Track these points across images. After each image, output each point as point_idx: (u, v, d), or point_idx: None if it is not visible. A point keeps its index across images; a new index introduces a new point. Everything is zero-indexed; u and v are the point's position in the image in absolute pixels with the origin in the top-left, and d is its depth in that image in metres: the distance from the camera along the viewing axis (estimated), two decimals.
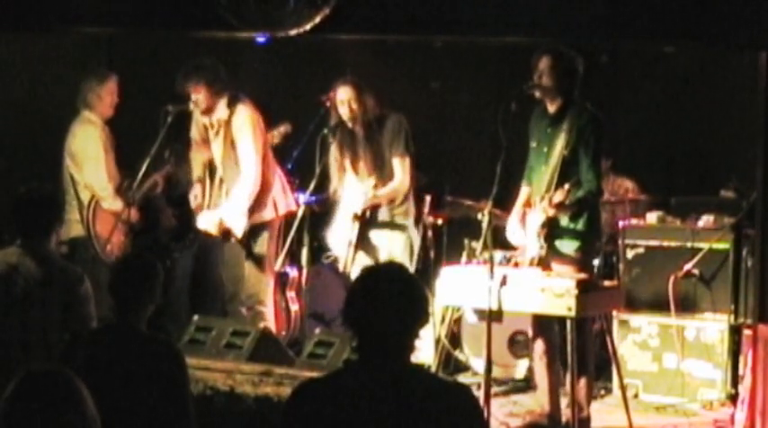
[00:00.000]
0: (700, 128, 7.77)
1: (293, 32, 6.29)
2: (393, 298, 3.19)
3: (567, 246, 6.37)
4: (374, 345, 3.18)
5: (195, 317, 7.01)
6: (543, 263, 6.27)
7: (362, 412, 3.09)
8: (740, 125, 7.36)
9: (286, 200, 7.36)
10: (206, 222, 7.33)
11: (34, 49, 8.06)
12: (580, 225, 6.35)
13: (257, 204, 7.25)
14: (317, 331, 7.05)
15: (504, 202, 6.76)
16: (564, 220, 6.32)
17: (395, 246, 7.33)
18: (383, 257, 7.29)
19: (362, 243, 7.33)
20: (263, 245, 7.28)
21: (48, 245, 5.18)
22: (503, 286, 6.18)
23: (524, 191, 6.55)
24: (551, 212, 6.17)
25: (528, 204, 6.45)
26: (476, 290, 6.22)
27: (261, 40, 7.07)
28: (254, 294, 7.32)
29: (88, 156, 7.39)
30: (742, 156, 6.89)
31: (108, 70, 7.67)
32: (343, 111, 7.22)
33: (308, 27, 6.21)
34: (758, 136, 6.09)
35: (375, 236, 7.37)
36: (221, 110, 7.26)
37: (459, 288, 6.37)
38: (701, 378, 7.17)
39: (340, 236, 7.45)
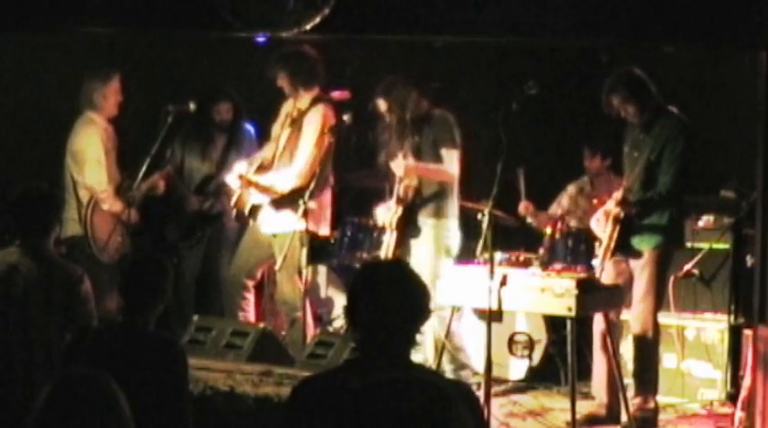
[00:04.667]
0: (700, 128, 7.74)
1: (293, 32, 6.29)
2: (394, 295, 3.18)
3: (642, 243, 6.51)
4: (375, 342, 3.19)
5: (195, 317, 7.02)
6: (613, 255, 6.48)
7: (363, 409, 3.08)
8: (740, 125, 7.35)
9: (318, 220, 7.24)
10: (230, 176, 7.30)
11: (35, 49, 8.06)
12: (655, 225, 6.52)
13: (292, 207, 7.15)
14: (318, 331, 7.06)
15: (505, 202, 6.76)
16: (641, 218, 6.50)
17: (425, 243, 7.26)
18: (419, 249, 7.23)
19: (405, 228, 7.26)
20: (294, 253, 7.19)
21: (47, 244, 5.18)
22: (503, 286, 6.19)
23: (617, 194, 6.69)
24: (616, 210, 6.41)
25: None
26: (476, 290, 6.23)
27: (261, 39, 7.06)
28: (290, 301, 7.29)
29: (89, 158, 7.37)
30: (742, 156, 6.89)
31: (111, 69, 7.66)
32: (387, 119, 7.24)
33: (308, 27, 6.21)
34: (758, 136, 6.09)
35: (420, 224, 7.29)
36: (304, 101, 7.27)
37: (460, 288, 6.38)
38: (701, 378, 7.17)
39: (385, 216, 7.36)
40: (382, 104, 7.19)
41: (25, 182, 5.42)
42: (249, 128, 8.04)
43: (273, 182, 7.23)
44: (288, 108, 7.40)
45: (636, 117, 6.61)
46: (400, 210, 7.19)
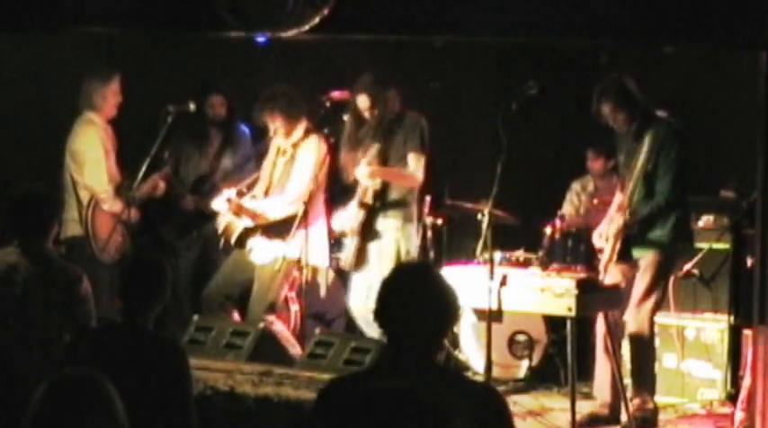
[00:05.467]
0: (699, 128, 7.75)
1: (293, 32, 6.28)
2: (423, 299, 3.19)
3: (644, 250, 6.51)
4: (403, 344, 3.19)
5: (195, 317, 7.01)
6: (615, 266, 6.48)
7: (393, 411, 3.06)
8: (740, 125, 7.35)
9: (319, 252, 7.28)
10: (219, 201, 7.29)
11: (35, 49, 8.06)
12: (659, 234, 6.50)
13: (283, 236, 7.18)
14: (317, 331, 7.06)
15: (505, 203, 6.76)
16: (645, 233, 6.50)
17: (386, 245, 7.23)
18: (382, 254, 7.19)
19: (368, 232, 7.23)
20: (278, 278, 7.21)
21: (46, 244, 5.18)
22: (503, 286, 6.19)
23: (618, 198, 6.72)
24: (621, 232, 6.41)
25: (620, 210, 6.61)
26: (476, 290, 6.23)
27: (261, 39, 7.06)
28: (257, 314, 7.26)
29: (89, 158, 7.37)
30: (742, 156, 6.89)
31: (111, 69, 7.66)
32: (366, 115, 7.18)
33: (307, 27, 6.20)
34: (758, 136, 6.09)
35: (380, 226, 7.26)
36: (297, 134, 7.26)
37: (459, 288, 6.36)
38: (701, 378, 7.17)
39: (346, 222, 7.34)
40: (365, 101, 7.10)
41: (24, 182, 5.41)
42: (244, 128, 8.03)
43: (264, 209, 7.22)
44: (279, 143, 7.37)
45: (625, 124, 6.58)
46: (362, 215, 7.16)
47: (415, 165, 7.10)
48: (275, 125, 7.20)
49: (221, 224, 7.35)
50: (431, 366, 3.20)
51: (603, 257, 6.45)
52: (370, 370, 3.34)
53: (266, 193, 7.37)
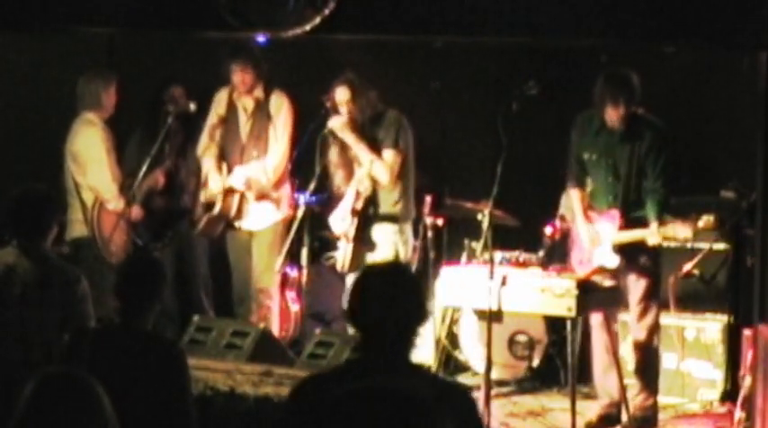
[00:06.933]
0: (700, 128, 7.75)
1: (293, 32, 6.29)
2: (395, 297, 3.23)
3: (633, 257, 6.49)
4: (374, 343, 3.21)
5: (195, 317, 7.01)
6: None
7: (362, 409, 3.08)
8: (740, 125, 7.35)
9: (293, 199, 7.44)
10: (236, 178, 7.33)
11: (34, 49, 8.06)
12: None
13: (277, 199, 7.36)
14: (317, 331, 7.06)
15: (505, 203, 6.76)
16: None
17: (384, 250, 7.21)
18: (377, 255, 7.17)
19: (361, 239, 7.23)
20: (275, 241, 7.29)
21: (44, 245, 5.18)
22: (503, 286, 6.20)
23: (578, 195, 6.62)
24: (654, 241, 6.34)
25: (590, 208, 6.56)
26: (476, 291, 6.23)
27: (261, 39, 7.07)
28: (264, 289, 7.33)
29: (91, 158, 7.37)
30: (742, 156, 6.89)
31: (110, 70, 7.64)
32: (343, 111, 7.17)
33: (307, 27, 6.21)
34: (758, 136, 6.09)
35: (374, 232, 7.27)
36: (259, 91, 7.38)
37: (460, 288, 6.38)
38: (701, 378, 7.17)
39: (339, 225, 7.34)
40: (345, 93, 7.09)
41: (25, 182, 5.41)
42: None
43: (266, 176, 7.29)
44: (227, 99, 7.44)
45: (621, 122, 6.42)
46: (356, 221, 7.16)
47: (389, 162, 7.06)
48: (243, 76, 7.28)
49: (217, 204, 7.36)
50: (403, 365, 3.22)
51: (597, 262, 6.42)
52: (343, 368, 3.35)
53: (241, 154, 7.38)
